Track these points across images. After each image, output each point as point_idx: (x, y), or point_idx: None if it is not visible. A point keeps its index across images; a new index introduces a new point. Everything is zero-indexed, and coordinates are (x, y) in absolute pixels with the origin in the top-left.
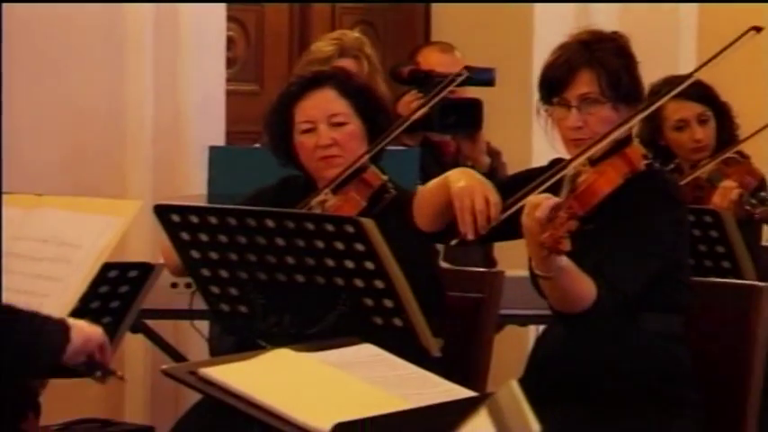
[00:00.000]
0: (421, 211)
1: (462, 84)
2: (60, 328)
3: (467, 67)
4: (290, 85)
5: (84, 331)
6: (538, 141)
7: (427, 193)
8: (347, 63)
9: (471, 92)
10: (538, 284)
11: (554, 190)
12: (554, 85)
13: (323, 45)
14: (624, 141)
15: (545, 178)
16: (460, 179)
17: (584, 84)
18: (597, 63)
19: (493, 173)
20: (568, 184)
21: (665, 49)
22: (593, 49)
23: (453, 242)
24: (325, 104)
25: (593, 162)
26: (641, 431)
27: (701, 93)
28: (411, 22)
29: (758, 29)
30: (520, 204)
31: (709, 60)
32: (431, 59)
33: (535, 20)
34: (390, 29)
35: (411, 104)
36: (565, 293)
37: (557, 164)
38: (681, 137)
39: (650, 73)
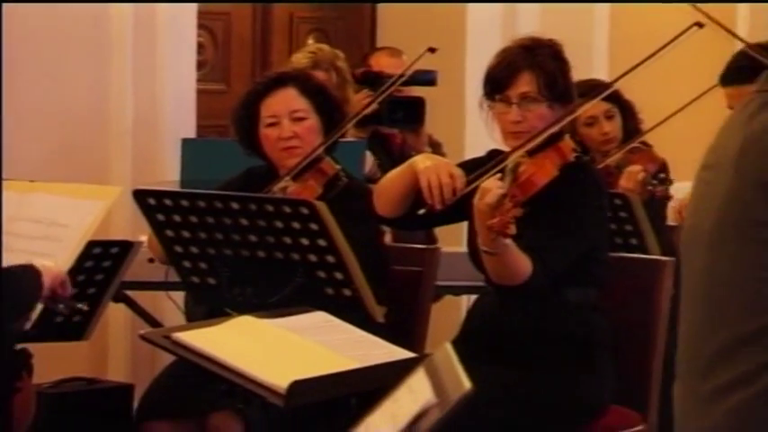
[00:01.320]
0: (383, 199)
1: (407, 83)
2: (34, 271)
3: (413, 70)
4: (256, 84)
5: (49, 270)
6: (470, 134)
7: (390, 180)
8: (319, 74)
9: (417, 91)
10: (477, 260)
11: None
12: (497, 83)
13: (301, 57)
14: (557, 136)
15: (492, 165)
16: (425, 161)
17: (525, 84)
18: (537, 66)
19: None
20: (510, 173)
21: (580, 44)
22: (533, 53)
23: (421, 212)
24: (287, 101)
25: (531, 154)
26: (562, 387)
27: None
28: (358, 28)
29: (700, 24)
30: (473, 186)
31: (651, 56)
32: (381, 62)
33: (467, 25)
34: (340, 35)
35: (363, 101)
36: (505, 269)
37: (495, 154)
38: (591, 131)
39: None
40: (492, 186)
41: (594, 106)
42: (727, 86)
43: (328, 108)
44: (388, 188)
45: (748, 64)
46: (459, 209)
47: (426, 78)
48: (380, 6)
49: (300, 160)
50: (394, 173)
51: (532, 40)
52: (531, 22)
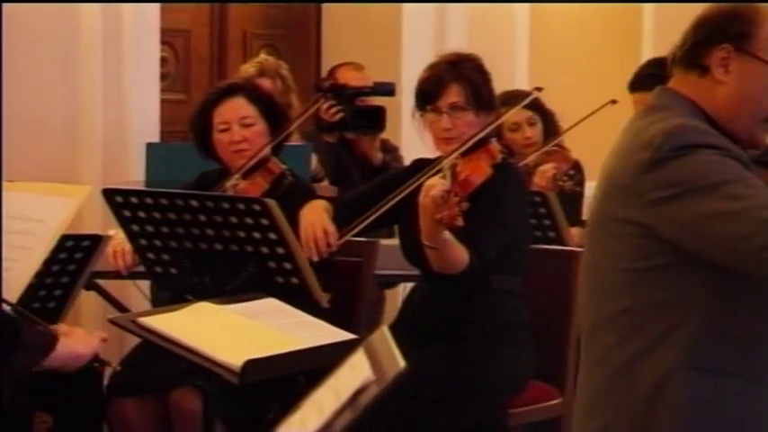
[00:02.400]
0: None
1: (369, 94)
2: (45, 339)
3: (374, 83)
4: (209, 94)
5: (73, 348)
6: (407, 138)
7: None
8: (264, 82)
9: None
10: (410, 256)
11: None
12: (428, 95)
13: (248, 67)
14: (486, 139)
15: (428, 169)
16: (307, 214)
17: (453, 94)
18: (463, 78)
19: (386, 167)
20: (449, 173)
21: (503, 56)
22: (458, 67)
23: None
24: (237, 109)
25: (464, 155)
26: (488, 364)
27: (530, 102)
28: (305, 44)
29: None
30: (400, 197)
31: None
32: (346, 76)
33: (402, 43)
34: (290, 50)
35: (329, 110)
36: (445, 260)
37: (419, 163)
38: (515, 136)
39: (491, 58)
40: (435, 183)
41: (519, 114)
42: (634, 93)
43: (274, 114)
44: None
45: (654, 73)
46: (390, 215)
47: (386, 89)
48: (325, 25)
49: (249, 159)
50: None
51: (457, 55)
52: (458, 39)
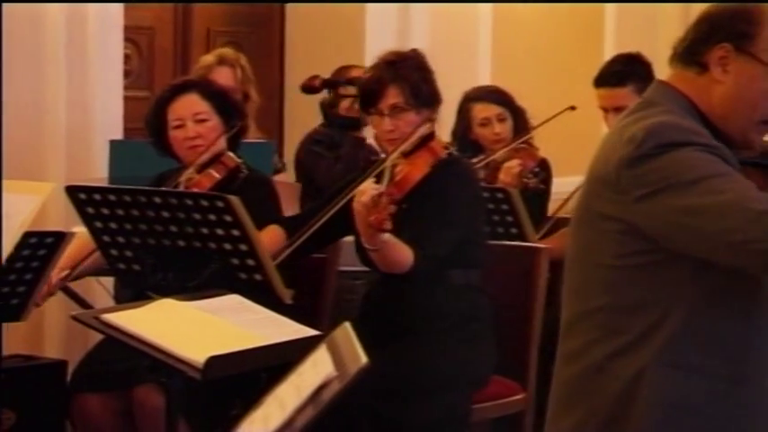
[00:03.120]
0: None
1: None
2: None
3: None
4: (163, 91)
5: None
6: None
7: None
8: (225, 70)
9: None
10: (363, 256)
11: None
12: (369, 98)
13: (207, 56)
14: (429, 136)
15: (371, 170)
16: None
17: (393, 96)
18: (401, 78)
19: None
20: (388, 174)
21: (466, 50)
22: (396, 67)
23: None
24: (190, 105)
25: (406, 155)
26: (449, 360)
27: (501, 98)
28: (269, 42)
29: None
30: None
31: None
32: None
33: (366, 44)
34: (253, 46)
35: (352, 106)
36: (388, 261)
37: (372, 164)
38: (485, 131)
39: (454, 57)
40: (367, 188)
41: (489, 109)
42: (600, 88)
43: (228, 109)
44: None
45: (619, 69)
46: (341, 224)
47: None
48: (288, 23)
49: (201, 153)
50: None
51: (396, 54)
52: (421, 38)
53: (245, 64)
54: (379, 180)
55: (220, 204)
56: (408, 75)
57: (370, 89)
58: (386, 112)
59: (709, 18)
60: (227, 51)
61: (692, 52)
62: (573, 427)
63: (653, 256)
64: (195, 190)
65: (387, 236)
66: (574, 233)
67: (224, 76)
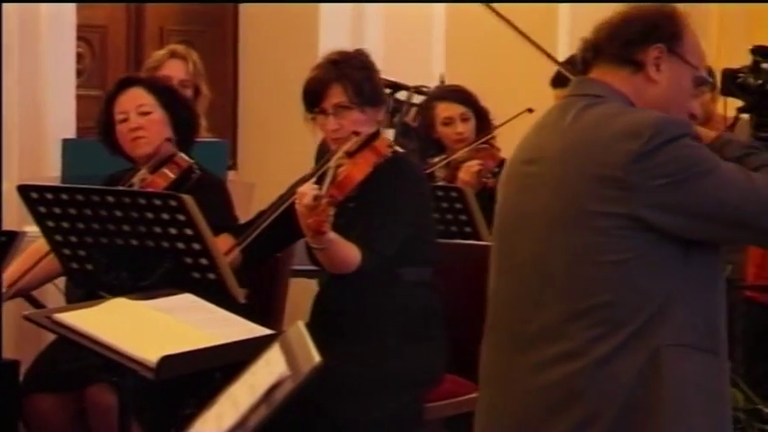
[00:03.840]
0: None
1: None
2: None
3: None
4: (110, 89)
5: None
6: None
7: None
8: (176, 63)
9: None
10: (312, 254)
11: None
12: (313, 97)
13: (159, 51)
14: (374, 135)
15: (314, 171)
16: None
17: (336, 95)
18: (344, 77)
19: None
20: (330, 174)
21: (420, 48)
22: (339, 66)
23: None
24: (134, 98)
25: (351, 154)
26: (401, 358)
27: (464, 98)
28: (223, 42)
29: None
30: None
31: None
32: None
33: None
34: (207, 45)
35: None
36: (335, 260)
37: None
38: (447, 131)
39: (410, 55)
40: (307, 190)
41: (452, 109)
42: (557, 89)
43: (175, 104)
44: None
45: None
46: (294, 225)
47: None
48: (242, 23)
49: (154, 153)
50: None
51: (339, 53)
52: (375, 39)
53: (197, 59)
54: (321, 180)
55: (173, 203)
56: (351, 74)
57: (314, 88)
58: (330, 111)
59: (641, 19)
60: (179, 46)
61: (626, 51)
62: (582, 422)
63: (656, 248)
64: (150, 190)
65: (332, 235)
66: (547, 237)
67: (176, 69)
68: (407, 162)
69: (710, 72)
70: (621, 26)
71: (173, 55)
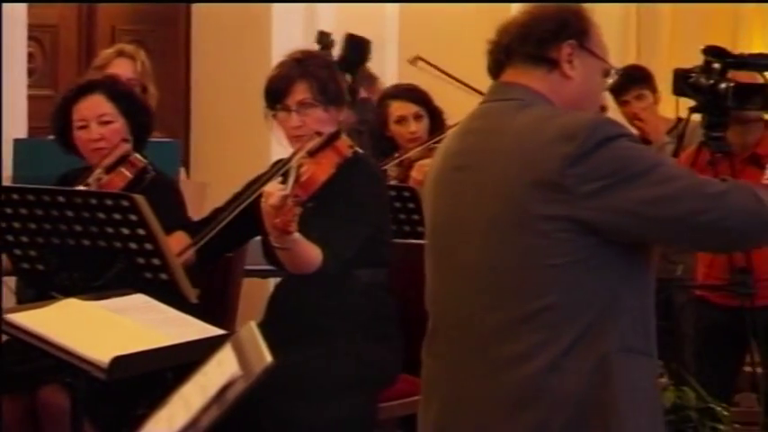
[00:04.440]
0: None
1: None
2: None
3: None
4: (68, 90)
5: None
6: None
7: None
8: (124, 62)
9: None
10: (269, 257)
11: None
12: (276, 94)
13: (107, 50)
14: (335, 135)
15: (277, 170)
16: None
17: (300, 92)
18: (309, 75)
19: None
20: (293, 174)
21: (373, 45)
22: (305, 64)
23: None
24: (95, 107)
25: (312, 154)
26: (356, 358)
27: (418, 97)
28: (175, 41)
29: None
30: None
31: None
32: None
33: (273, 47)
34: (158, 45)
35: None
36: (297, 260)
37: (278, 165)
38: (401, 129)
39: None
40: (274, 190)
41: (406, 108)
42: None
43: (135, 111)
44: None
45: None
46: (249, 224)
47: None
48: (194, 23)
49: (106, 155)
50: None
51: (303, 52)
52: (329, 27)
53: (145, 59)
54: (284, 179)
55: (125, 203)
56: (316, 72)
57: (278, 85)
58: (293, 108)
59: (550, 17)
60: (127, 45)
61: (540, 50)
62: (534, 429)
63: (598, 250)
64: (108, 190)
65: (296, 235)
66: (489, 242)
67: (123, 68)
68: (368, 163)
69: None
70: (532, 25)
71: (120, 54)
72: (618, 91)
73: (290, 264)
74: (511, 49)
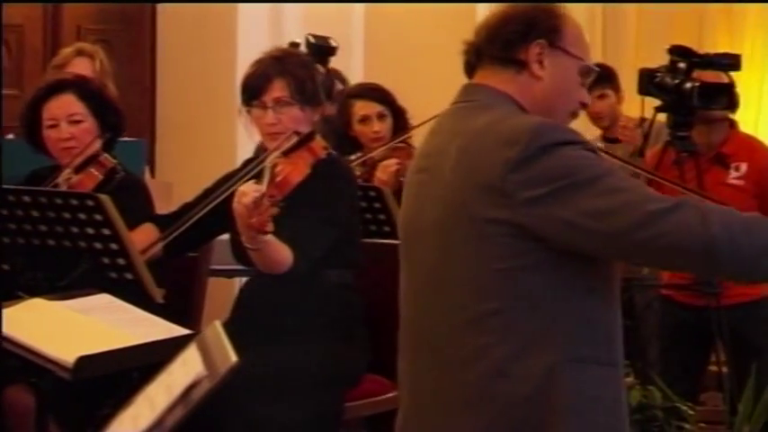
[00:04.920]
0: None
1: None
2: None
3: None
4: (38, 89)
5: None
6: (242, 134)
7: None
8: (83, 61)
9: None
10: (239, 256)
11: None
12: (253, 90)
13: (66, 49)
14: (310, 136)
15: (251, 168)
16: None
17: (278, 89)
18: (287, 73)
19: None
20: (269, 174)
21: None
22: (284, 62)
23: None
24: (65, 106)
25: (287, 154)
26: (323, 358)
27: (382, 96)
28: (140, 41)
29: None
30: (231, 191)
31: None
32: None
33: (238, 44)
34: (124, 44)
35: None
36: (268, 261)
37: (250, 162)
38: (364, 129)
39: None
40: (249, 189)
41: (369, 107)
42: None
43: (104, 110)
44: None
45: None
46: (218, 222)
47: None
48: (160, 22)
49: (77, 155)
50: None
51: (282, 50)
52: (294, 38)
53: (104, 58)
54: (258, 179)
55: (90, 203)
56: (295, 70)
57: (256, 81)
58: (269, 104)
59: (519, 17)
60: (87, 44)
61: (507, 52)
62: (481, 430)
63: (541, 256)
64: (77, 190)
65: (268, 236)
66: (442, 245)
67: (82, 67)
68: (341, 164)
69: (598, 65)
70: (500, 27)
71: (79, 53)
72: None
73: (261, 264)
74: (480, 51)
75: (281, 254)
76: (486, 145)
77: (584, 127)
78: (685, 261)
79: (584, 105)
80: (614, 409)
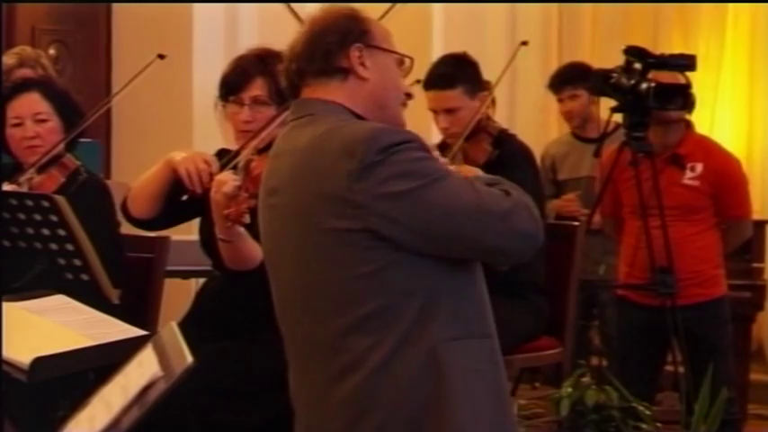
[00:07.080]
0: (140, 200)
1: None
2: None
3: None
4: (4, 88)
5: None
6: (198, 136)
7: (146, 181)
8: (26, 71)
9: None
10: (208, 249)
11: None
12: (232, 86)
13: (7, 58)
14: None
15: (227, 160)
16: (180, 153)
17: (257, 88)
18: (268, 73)
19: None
20: (243, 169)
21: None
22: (266, 62)
23: (184, 197)
24: (30, 105)
25: (261, 152)
26: (281, 359)
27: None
28: (96, 41)
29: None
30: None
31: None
32: None
33: (194, 37)
34: (79, 45)
35: None
36: (239, 254)
37: (223, 153)
38: None
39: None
40: (227, 179)
41: None
42: (429, 91)
43: (69, 110)
44: (145, 188)
45: (448, 71)
46: (195, 207)
47: None
48: (115, 23)
49: (43, 155)
50: (149, 174)
51: (264, 50)
52: (250, 39)
53: (46, 62)
54: (234, 171)
55: (45, 204)
56: (275, 72)
57: (237, 78)
58: (247, 102)
59: (330, 28)
60: (27, 51)
61: (329, 63)
62: (378, 429)
63: (402, 252)
64: (40, 190)
65: (241, 229)
66: (298, 261)
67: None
68: None
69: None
70: (315, 42)
71: (21, 64)
72: (554, 90)
73: (232, 257)
74: (302, 71)
75: (252, 249)
76: (326, 157)
77: (556, 124)
78: (518, 257)
79: (408, 96)
80: (495, 378)
